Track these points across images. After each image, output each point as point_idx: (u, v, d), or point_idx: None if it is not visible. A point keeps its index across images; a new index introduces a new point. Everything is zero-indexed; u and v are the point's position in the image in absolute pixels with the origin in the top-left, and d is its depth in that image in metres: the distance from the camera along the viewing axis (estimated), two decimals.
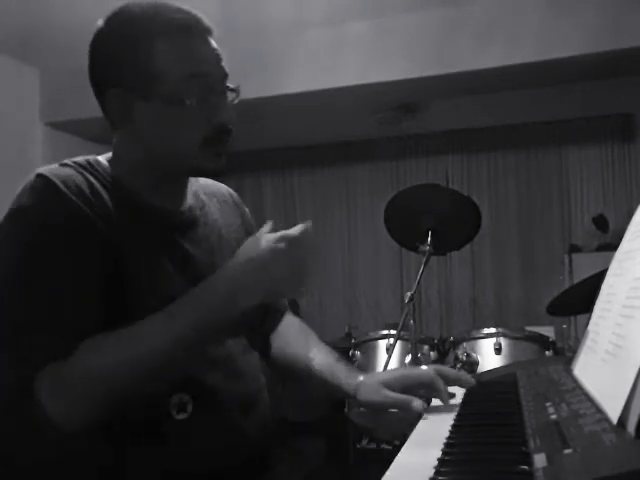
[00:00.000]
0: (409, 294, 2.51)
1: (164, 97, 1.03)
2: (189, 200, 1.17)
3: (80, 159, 1.08)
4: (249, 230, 1.29)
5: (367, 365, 3.04)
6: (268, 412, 1.18)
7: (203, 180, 1.26)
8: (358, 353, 3.12)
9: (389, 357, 2.58)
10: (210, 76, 1.06)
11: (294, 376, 1.29)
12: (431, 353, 3.06)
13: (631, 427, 0.65)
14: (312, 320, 5.76)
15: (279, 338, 1.34)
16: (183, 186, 1.17)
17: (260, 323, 1.30)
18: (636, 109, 5.21)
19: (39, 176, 1.01)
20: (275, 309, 1.35)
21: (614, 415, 0.69)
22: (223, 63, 1.08)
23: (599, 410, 0.75)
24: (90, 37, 1.07)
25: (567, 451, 0.66)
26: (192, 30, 1.05)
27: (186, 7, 1.07)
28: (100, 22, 1.08)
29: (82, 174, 1.04)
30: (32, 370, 0.93)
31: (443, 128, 5.59)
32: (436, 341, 3.14)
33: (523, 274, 5.53)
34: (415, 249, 2.61)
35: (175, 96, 1.03)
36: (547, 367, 1.18)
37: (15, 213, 0.99)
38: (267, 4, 3.62)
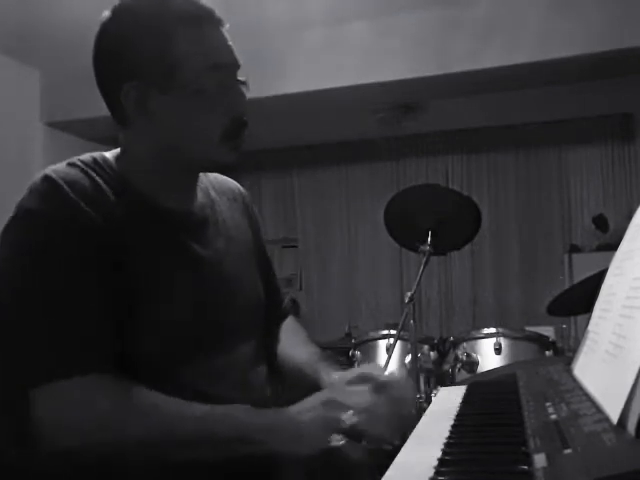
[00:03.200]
0: (409, 294, 2.51)
1: (185, 88, 1.01)
2: (199, 198, 1.14)
3: (87, 157, 1.05)
4: (256, 232, 1.28)
5: None
6: None
7: (212, 175, 1.23)
8: (358, 353, 3.12)
9: (389, 357, 2.58)
10: (228, 67, 1.05)
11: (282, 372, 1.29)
12: (431, 353, 3.06)
13: (631, 427, 0.65)
14: (312, 320, 5.76)
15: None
16: (193, 183, 1.14)
17: (266, 324, 1.27)
18: (636, 109, 5.21)
19: (46, 178, 0.98)
20: (278, 313, 1.34)
21: (614, 415, 0.69)
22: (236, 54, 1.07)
23: (599, 410, 0.75)
24: (90, 37, 1.05)
25: (567, 451, 0.66)
26: (208, 21, 1.04)
27: None
28: (106, 15, 1.04)
29: (89, 175, 1.01)
30: (28, 382, 0.91)
31: (443, 128, 5.59)
32: (436, 341, 3.14)
33: (523, 274, 5.53)
34: (415, 249, 2.62)
35: (196, 86, 1.01)
36: (547, 367, 1.18)
37: (22, 216, 0.97)
38: (267, 4, 3.62)
